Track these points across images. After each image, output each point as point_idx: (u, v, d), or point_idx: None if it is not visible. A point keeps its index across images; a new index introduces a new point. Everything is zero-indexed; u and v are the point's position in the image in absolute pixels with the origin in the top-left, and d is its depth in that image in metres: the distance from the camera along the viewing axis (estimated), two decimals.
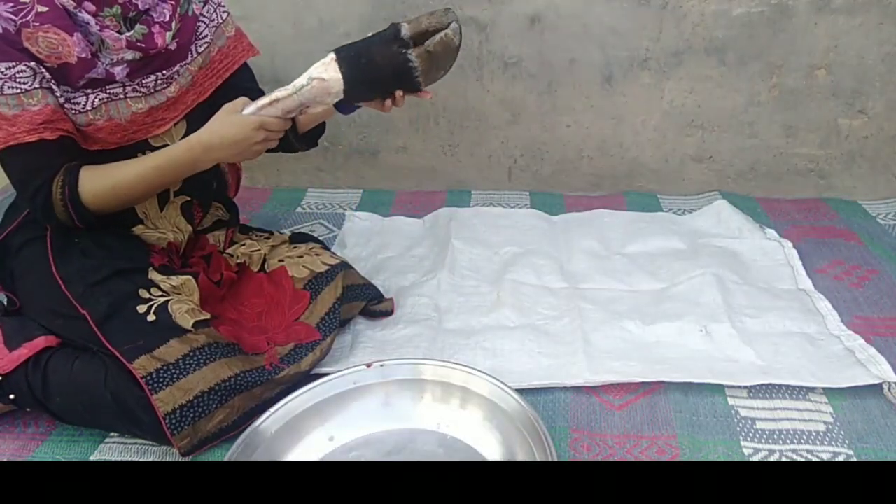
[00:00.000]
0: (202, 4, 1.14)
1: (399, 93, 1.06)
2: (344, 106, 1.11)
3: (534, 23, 1.60)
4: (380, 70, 1.03)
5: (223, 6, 1.20)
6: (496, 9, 1.58)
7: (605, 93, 1.67)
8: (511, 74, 1.66)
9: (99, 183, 1.02)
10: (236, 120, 1.03)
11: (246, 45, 1.23)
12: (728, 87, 1.64)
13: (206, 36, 1.14)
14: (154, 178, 1.05)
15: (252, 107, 1.04)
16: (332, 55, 1.03)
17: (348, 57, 1.02)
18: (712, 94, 1.65)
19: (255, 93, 1.24)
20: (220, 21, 1.18)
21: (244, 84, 1.21)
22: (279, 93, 1.04)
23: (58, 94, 0.98)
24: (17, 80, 0.95)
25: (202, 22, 1.14)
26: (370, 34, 1.05)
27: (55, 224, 1.05)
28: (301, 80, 1.04)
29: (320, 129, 1.28)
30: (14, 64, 0.95)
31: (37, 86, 0.96)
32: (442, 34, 1.01)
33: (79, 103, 1.01)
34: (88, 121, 1.02)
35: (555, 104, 1.69)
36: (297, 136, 1.20)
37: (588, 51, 1.62)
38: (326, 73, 1.03)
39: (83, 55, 0.97)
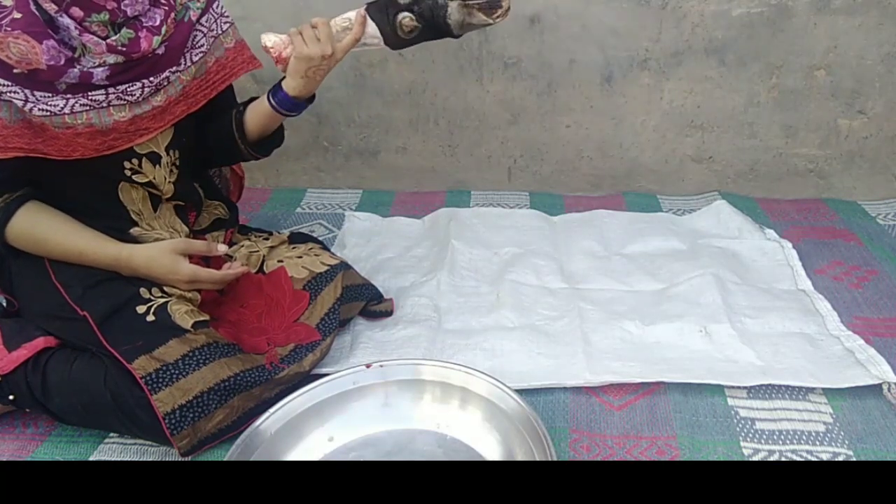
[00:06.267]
0: (201, 13, 1.11)
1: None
2: (289, 104, 1.15)
3: (533, 23, 1.60)
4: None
5: (226, 16, 1.17)
6: None
7: (605, 93, 1.67)
8: (511, 75, 1.66)
9: (28, 229, 1.03)
10: (173, 264, 1.07)
11: (247, 58, 1.20)
12: (728, 88, 1.64)
13: (202, 45, 1.11)
14: (73, 257, 1.06)
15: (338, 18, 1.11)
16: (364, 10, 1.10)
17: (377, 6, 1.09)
18: (712, 94, 1.65)
19: (234, 107, 1.23)
20: (220, 32, 1.15)
21: (226, 94, 1.20)
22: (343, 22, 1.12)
23: (23, 104, 0.95)
24: None
25: (199, 31, 1.11)
26: None
27: None
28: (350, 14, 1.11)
29: (276, 139, 1.26)
30: None
31: None
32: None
33: (56, 105, 0.97)
34: (66, 124, 0.99)
35: (554, 104, 1.69)
36: (248, 145, 1.21)
37: (588, 51, 1.62)
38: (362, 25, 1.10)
39: (52, 62, 0.94)
